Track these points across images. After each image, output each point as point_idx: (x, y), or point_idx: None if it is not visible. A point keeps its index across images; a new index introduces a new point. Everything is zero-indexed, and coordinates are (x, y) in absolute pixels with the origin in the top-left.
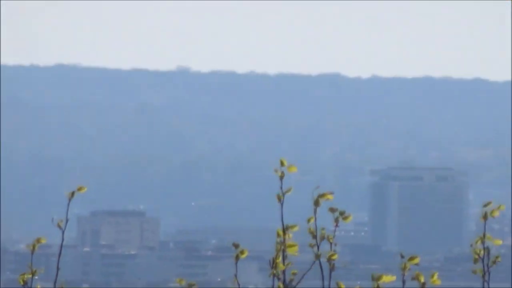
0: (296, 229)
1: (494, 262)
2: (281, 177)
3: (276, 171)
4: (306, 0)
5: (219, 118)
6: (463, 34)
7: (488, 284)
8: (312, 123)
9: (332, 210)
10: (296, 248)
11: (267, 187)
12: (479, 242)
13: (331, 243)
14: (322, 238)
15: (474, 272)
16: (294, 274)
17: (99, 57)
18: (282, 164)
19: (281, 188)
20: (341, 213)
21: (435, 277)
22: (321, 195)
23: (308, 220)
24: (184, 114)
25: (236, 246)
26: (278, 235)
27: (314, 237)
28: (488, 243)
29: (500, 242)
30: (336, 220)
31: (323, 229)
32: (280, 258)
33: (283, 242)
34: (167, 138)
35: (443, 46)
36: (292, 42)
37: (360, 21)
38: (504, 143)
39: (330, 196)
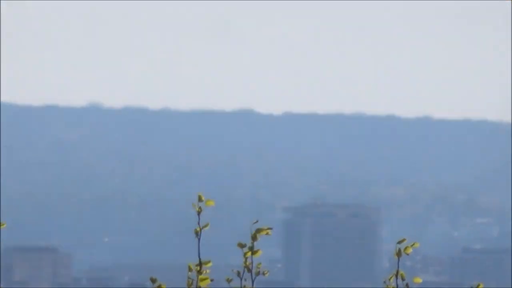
0: (210, 264)
1: None
2: (199, 212)
3: (194, 206)
4: (217, 36)
5: (132, 154)
6: (374, 71)
7: None
8: (225, 160)
9: (240, 245)
10: (207, 281)
11: (180, 223)
12: (393, 278)
13: (241, 279)
14: (238, 273)
15: None
16: None
17: (9, 93)
18: (200, 199)
19: (199, 223)
20: (250, 248)
21: None
22: (259, 230)
23: (245, 254)
24: (96, 151)
25: (153, 280)
26: (190, 269)
27: (249, 271)
28: (408, 280)
29: (420, 280)
30: (245, 255)
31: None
32: None
33: (195, 277)
34: (79, 174)
35: (356, 83)
36: (205, 78)
37: (272, 57)
38: (416, 180)
39: (268, 231)
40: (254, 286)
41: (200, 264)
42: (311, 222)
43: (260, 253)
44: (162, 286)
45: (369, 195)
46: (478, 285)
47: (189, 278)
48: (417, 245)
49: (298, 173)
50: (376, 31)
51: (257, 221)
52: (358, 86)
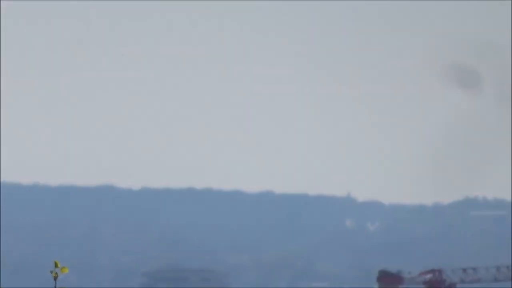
0: None
1: None
2: (55, 278)
3: (51, 272)
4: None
5: None
6: (223, 147)
7: None
8: (88, 231)
9: None
10: None
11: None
12: None
13: None
14: None
15: None
16: None
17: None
18: (56, 265)
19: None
20: None
21: None
22: None
23: None
24: None
25: None
26: None
27: None
28: None
29: None
30: None
31: None
32: None
33: None
34: None
35: (205, 157)
36: (65, 154)
37: (128, 132)
38: (259, 248)
39: None
40: None
41: None
42: (166, 286)
43: None
44: None
45: (218, 261)
46: None
47: None
48: None
49: (156, 240)
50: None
51: None
52: (208, 163)
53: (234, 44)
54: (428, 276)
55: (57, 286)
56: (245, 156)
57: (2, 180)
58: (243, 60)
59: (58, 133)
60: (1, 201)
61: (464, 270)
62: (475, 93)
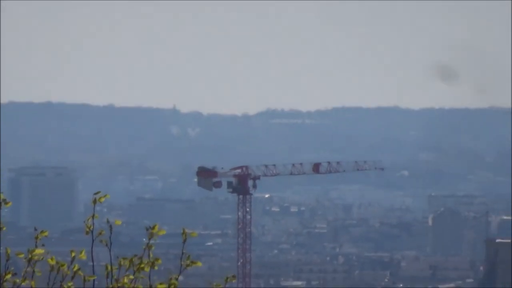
0: None
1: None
2: None
3: None
4: None
5: None
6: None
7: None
8: None
9: None
10: None
11: None
12: (90, 219)
13: None
14: None
15: (101, 241)
16: None
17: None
18: None
19: None
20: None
21: None
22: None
23: None
24: None
25: None
26: None
27: None
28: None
29: (119, 222)
30: None
31: None
32: None
33: None
34: None
35: (48, 72)
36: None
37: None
38: (103, 151)
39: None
40: None
41: None
42: (29, 180)
43: (10, 204)
44: None
45: (70, 160)
46: (154, 226)
47: None
48: (108, 196)
49: (18, 144)
50: None
51: None
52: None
53: None
54: (237, 171)
55: None
56: (91, 71)
57: None
58: None
59: None
60: None
61: (266, 166)
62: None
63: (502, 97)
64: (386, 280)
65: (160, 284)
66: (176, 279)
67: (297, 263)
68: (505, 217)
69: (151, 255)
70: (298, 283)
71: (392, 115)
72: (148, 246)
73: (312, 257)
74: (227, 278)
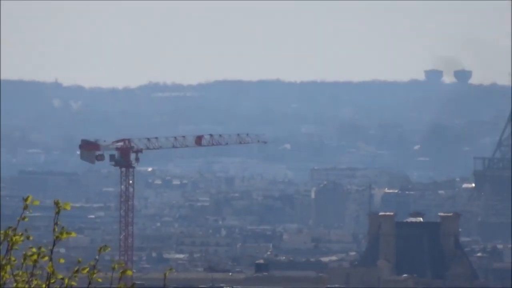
0: None
1: None
2: None
3: None
4: None
5: None
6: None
7: None
8: None
9: None
10: None
11: None
12: None
13: None
14: None
15: None
16: None
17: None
18: None
19: None
20: None
21: None
22: None
23: None
24: None
25: None
26: None
27: None
28: None
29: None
30: None
31: None
32: None
33: None
34: None
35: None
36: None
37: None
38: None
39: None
40: None
41: None
42: None
43: None
44: None
45: None
46: (28, 197)
47: None
48: None
49: None
50: None
51: None
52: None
53: None
54: (120, 144)
55: None
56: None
57: None
58: None
59: None
60: None
61: (148, 139)
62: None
63: (385, 70)
64: (268, 252)
65: (32, 255)
66: (51, 250)
67: (180, 235)
68: (387, 190)
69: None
70: (181, 255)
71: (273, 88)
72: (22, 218)
73: (194, 229)
74: (100, 248)
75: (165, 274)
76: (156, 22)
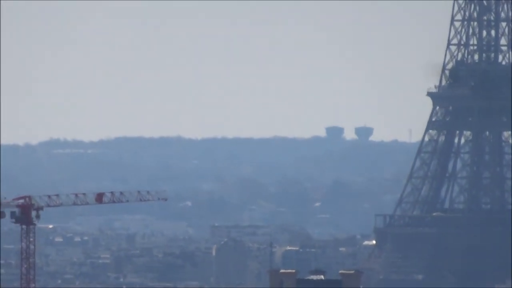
0: None
1: None
2: None
3: None
4: None
5: None
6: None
7: None
8: None
9: None
10: None
11: None
12: None
13: None
14: None
15: None
16: None
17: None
18: None
19: None
20: None
21: None
22: None
23: None
24: None
25: None
26: None
27: None
28: None
29: None
30: None
31: None
32: None
33: None
34: None
35: None
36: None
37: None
38: None
39: None
40: None
41: None
42: None
43: None
44: None
45: None
46: None
47: None
48: None
49: None
50: None
51: None
52: None
53: None
54: (20, 201)
55: None
56: None
57: None
58: None
59: None
60: None
61: (49, 196)
62: None
63: (286, 127)
64: None
65: None
66: None
67: None
68: (288, 248)
69: None
70: None
71: (174, 144)
72: None
73: (95, 287)
74: None
75: None
76: (57, 78)
